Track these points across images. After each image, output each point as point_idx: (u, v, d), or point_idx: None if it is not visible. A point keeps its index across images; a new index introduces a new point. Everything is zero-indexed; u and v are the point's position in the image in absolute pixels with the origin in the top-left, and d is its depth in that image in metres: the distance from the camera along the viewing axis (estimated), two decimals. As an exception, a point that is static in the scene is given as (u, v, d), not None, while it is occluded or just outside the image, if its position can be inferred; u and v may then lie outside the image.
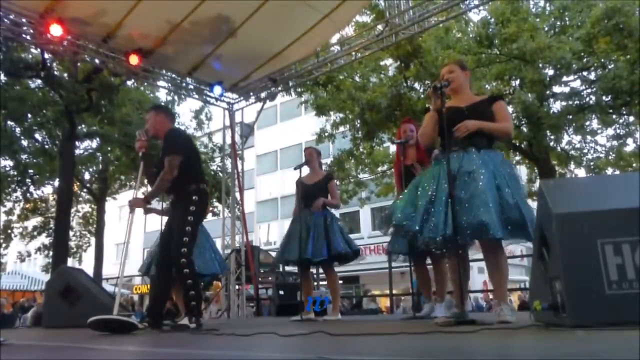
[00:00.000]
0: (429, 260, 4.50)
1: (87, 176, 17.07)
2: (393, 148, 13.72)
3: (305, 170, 5.12)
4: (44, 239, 16.75)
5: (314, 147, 5.37)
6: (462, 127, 2.94)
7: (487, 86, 11.13)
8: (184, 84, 8.54)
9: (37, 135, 13.78)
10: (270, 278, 11.11)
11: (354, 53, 7.70)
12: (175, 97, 14.48)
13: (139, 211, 3.90)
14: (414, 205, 2.98)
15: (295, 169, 5.01)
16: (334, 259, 4.79)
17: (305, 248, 4.65)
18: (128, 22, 6.71)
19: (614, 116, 11.21)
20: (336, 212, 5.28)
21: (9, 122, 12.55)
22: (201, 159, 4.00)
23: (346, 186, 13.94)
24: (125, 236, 3.70)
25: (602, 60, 9.93)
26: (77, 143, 13.53)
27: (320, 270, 7.28)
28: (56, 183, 13.96)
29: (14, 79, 11.71)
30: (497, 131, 3.03)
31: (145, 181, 3.97)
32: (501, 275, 2.96)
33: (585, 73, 10.76)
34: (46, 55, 10.87)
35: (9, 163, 13.70)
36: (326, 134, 13.25)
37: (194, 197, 3.68)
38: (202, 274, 4.95)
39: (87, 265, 15.05)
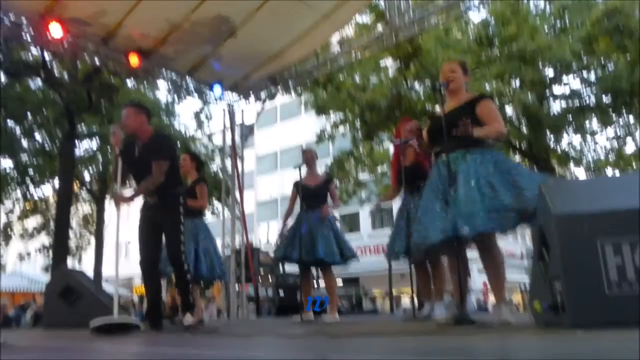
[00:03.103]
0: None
1: (87, 176, 17.06)
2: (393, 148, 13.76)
3: (304, 172, 5.12)
4: (44, 239, 16.75)
5: (313, 149, 5.38)
6: (466, 130, 2.88)
7: (487, 86, 11.15)
8: (184, 84, 8.54)
9: (37, 135, 13.79)
10: (270, 278, 11.11)
11: (354, 53, 7.70)
12: (175, 97, 14.49)
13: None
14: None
15: (295, 167, 5.01)
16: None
17: (314, 249, 4.65)
18: (128, 22, 6.71)
19: (614, 116, 11.22)
20: (335, 213, 5.30)
21: (9, 122, 12.56)
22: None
23: (346, 186, 13.94)
24: (116, 235, 3.72)
25: (602, 60, 9.94)
26: (77, 143, 13.53)
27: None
28: (56, 183, 13.97)
29: (14, 79, 11.72)
30: (491, 135, 2.95)
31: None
32: (496, 274, 2.96)
33: (585, 73, 10.77)
34: (46, 55, 10.87)
35: (9, 163, 13.72)
36: (326, 134, 13.25)
37: (181, 199, 3.83)
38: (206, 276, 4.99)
39: (87, 265, 15.05)
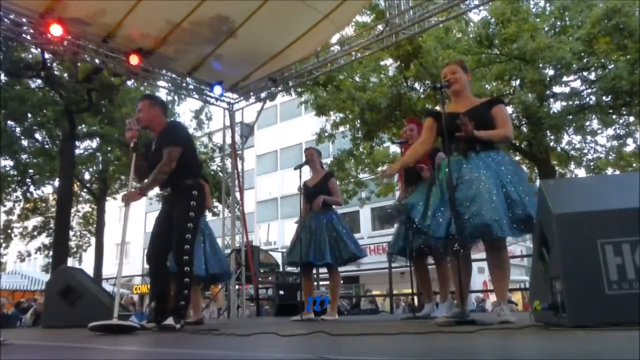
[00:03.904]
0: (430, 260, 4.51)
1: (87, 176, 17.07)
2: (393, 148, 13.76)
3: (308, 172, 5.13)
4: (44, 239, 16.76)
5: (314, 147, 5.36)
6: (466, 129, 2.89)
7: (487, 86, 11.14)
8: (184, 84, 8.55)
9: (37, 135, 13.79)
10: (270, 278, 11.12)
11: (354, 53, 7.70)
12: (175, 97, 14.50)
13: (135, 207, 3.80)
14: (426, 204, 3.00)
15: (295, 169, 5.02)
16: (345, 262, 4.82)
17: (308, 251, 4.67)
18: (128, 22, 6.71)
19: (614, 116, 11.22)
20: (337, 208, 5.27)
21: (9, 122, 12.56)
22: (197, 152, 3.88)
23: (346, 186, 13.94)
24: (122, 233, 3.60)
25: (602, 60, 9.93)
26: (77, 143, 13.54)
27: (321, 270, 7.29)
28: (56, 183, 13.98)
29: (14, 79, 11.72)
30: (495, 137, 3.02)
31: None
32: (504, 275, 2.97)
33: (585, 73, 10.76)
34: (46, 55, 10.88)
35: (9, 163, 13.72)
36: (326, 134, 13.25)
37: (193, 192, 3.60)
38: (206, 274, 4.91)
39: (87, 265, 15.05)
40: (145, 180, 3.63)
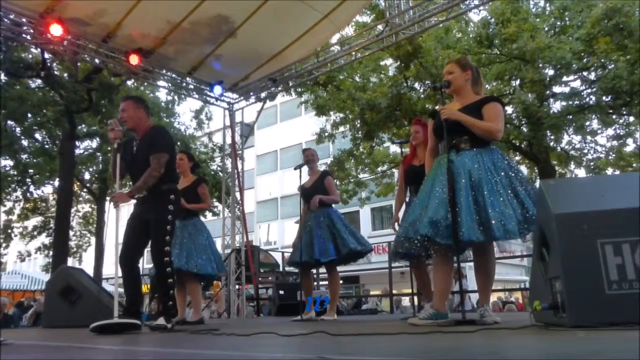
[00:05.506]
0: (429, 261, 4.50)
1: (87, 176, 17.07)
2: (393, 148, 13.75)
3: (306, 173, 5.13)
4: (44, 239, 16.75)
5: (312, 148, 5.37)
6: (446, 111, 2.93)
7: (487, 86, 11.13)
8: (184, 84, 8.55)
9: (37, 135, 13.79)
10: (270, 278, 11.11)
11: (354, 53, 7.70)
12: (175, 97, 14.49)
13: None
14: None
15: (295, 169, 5.03)
16: (345, 259, 4.78)
17: (312, 249, 4.66)
18: (128, 22, 6.71)
19: (614, 116, 11.21)
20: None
21: (9, 122, 12.56)
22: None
23: (346, 186, 13.94)
24: (115, 234, 3.63)
25: (602, 60, 9.93)
26: (77, 143, 13.53)
27: (321, 270, 7.29)
28: (56, 183, 13.97)
29: (14, 79, 11.72)
30: (477, 127, 2.89)
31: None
32: (488, 277, 2.99)
33: (585, 73, 10.75)
34: (46, 55, 10.87)
35: (9, 163, 13.71)
36: (326, 134, 13.25)
37: (171, 196, 3.66)
38: (201, 274, 4.92)
39: (87, 265, 15.05)
40: (137, 183, 3.64)
